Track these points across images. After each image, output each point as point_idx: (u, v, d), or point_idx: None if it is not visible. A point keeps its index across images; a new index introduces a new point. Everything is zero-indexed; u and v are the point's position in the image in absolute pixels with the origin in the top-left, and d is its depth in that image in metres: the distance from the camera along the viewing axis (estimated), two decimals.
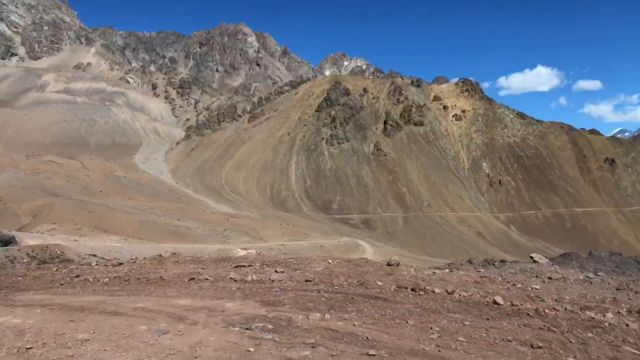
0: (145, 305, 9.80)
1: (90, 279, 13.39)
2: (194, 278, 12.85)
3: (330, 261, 14.70)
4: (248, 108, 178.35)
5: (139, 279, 13.15)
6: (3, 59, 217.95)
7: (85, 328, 8.16)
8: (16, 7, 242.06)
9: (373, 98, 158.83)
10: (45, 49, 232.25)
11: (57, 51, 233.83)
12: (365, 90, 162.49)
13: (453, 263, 26.79)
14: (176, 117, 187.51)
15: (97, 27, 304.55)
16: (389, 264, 14.29)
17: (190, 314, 8.94)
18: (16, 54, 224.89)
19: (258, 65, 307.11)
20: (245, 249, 73.37)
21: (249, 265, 14.38)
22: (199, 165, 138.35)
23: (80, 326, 8.24)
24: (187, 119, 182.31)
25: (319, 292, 10.97)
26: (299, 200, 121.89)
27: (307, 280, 11.97)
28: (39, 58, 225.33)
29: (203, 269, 14.36)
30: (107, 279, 13.36)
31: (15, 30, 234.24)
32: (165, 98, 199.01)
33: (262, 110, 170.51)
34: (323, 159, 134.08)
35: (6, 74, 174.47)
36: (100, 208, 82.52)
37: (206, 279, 12.78)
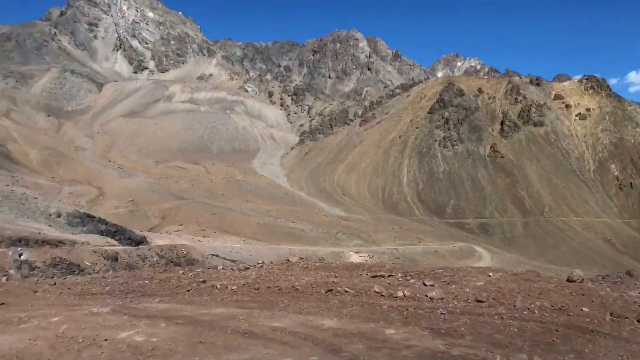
0: (283, 325, 8.30)
1: (218, 286, 12.62)
2: (331, 290, 11.46)
3: (491, 274, 12.31)
4: (359, 112, 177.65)
5: (269, 287, 12.08)
6: (135, 72, 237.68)
7: (217, 354, 6.59)
8: (147, 24, 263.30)
9: (489, 98, 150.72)
10: (172, 62, 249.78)
11: (183, 64, 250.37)
12: (480, 90, 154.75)
13: (609, 275, 22.52)
14: (291, 123, 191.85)
15: (218, 40, 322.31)
16: (570, 280, 11.44)
17: (344, 344, 7.11)
18: (147, 68, 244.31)
19: (369, 69, 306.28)
20: (357, 252, 71.53)
21: (389, 276, 12.52)
22: (312, 169, 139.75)
23: (211, 351, 6.73)
24: (301, 125, 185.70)
25: (502, 318, 8.74)
26: (411, 203, 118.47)
27: (478, 300, 9.71)
28: (167, 71, 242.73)
29: (337, 277, 12.87)
30: (235, 287, 12.47)
31: (146, 46, 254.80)
32: (281, 105, 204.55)
33: (373, 113, 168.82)
34: (436, 161, 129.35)
35: (138, 87, 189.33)
36: (222, 210, 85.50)
37: (346, 291, 11.31)
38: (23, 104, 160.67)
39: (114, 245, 34.02)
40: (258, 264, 16.70)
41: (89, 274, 25.53)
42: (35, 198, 53.38)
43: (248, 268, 15.31)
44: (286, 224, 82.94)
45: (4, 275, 22.87)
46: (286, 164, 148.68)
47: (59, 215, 48.03)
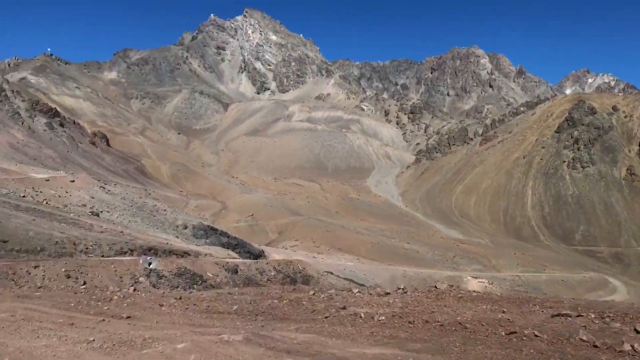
0: None
1: (362, 315, 11.19)
2: (514, 332, 9.32)
3: None
4: (480, 131, 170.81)
5: (427, 321, 10.53)
6: (258, 93, 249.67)
7: None
8: (270, 47, 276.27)
9: (625, 117, 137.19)
10: (292, 82, 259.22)
11: (302, 84, 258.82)
12: (614, 108, 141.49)
13: None
14: (407, 141, 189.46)
15: (336, 60, 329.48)
16: None
17: None
18: (269, 88, 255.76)
19: (491, 86, 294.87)
20: (476, 277, 67.37)
21: (577, 316, 10.28)
22: (428, 189, 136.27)
23: None
24: (417, 143, 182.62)
25: None
26: (536, 228, 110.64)
27: None
28: (287, 91, 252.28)
29: (505, 312, 11.17)
30: (382, 317, 10.95)
31: (268, 67, 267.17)
32: (397, 123, 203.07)
33: (495, 132, 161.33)
34: (564, 183, 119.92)
35: (260, 107, 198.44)
36: (335, 228, 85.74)
37: (536, 335, 9.13)
38: (157, 123, 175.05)
39: (234, 258, 34.84)
40: (399, 289, 15.21)
41: (211, 285, 26.09)
42: (165, 210, 56.91)
43: (388, 293, 13.86)
44: (400, 244, 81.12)
45: (135, 282, 24.03)
46: (401, 183, 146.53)
47: (185, 227, 50.45)
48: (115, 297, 14.88)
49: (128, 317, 12.02)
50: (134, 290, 16.05)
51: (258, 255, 46.73)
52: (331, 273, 43.38)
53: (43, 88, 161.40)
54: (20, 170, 54.22)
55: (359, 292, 14.38)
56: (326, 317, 11.32)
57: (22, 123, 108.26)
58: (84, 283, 21.73)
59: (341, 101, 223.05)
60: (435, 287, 14.91)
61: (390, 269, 60.63)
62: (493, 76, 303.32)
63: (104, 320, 11.48)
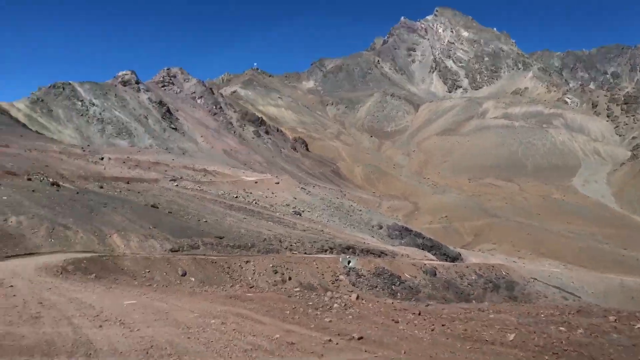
0: None
1: None
2: None
3: None
4: None
5: None
6: (450, 92, 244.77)
7: None
8: (461, 44, 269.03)
9: None
10: (485, 78, 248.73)
11: (496, 79, 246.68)
12: None
13: None
14: (620, 135, 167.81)
15: (534, 52, 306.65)
16: None
17: None
18: (461, 86, 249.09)
19: None
20: None
21: None
22: None
23: None
24: (634, 137, 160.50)
25: None
26: None
27: None
28: (480, 88, 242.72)
29: None
30: None
31: (460, 65, 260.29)
32: (607, 116, 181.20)
33: None
34: None
35: (452, 105, 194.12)
36: (537, 231, 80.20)
37: None
38: (350, 127, 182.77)
39: (431, 260, 34.80)
40: None
41: (410, 287, 26.38)
42: (360, 210, 59.44)
43: None
44: (616, 250, 72.57)
45: (336, 280, 25.36)
46: (614, 182, 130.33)
47: (380, 227, 51.93)
48: (336, 304, 12.68)
49: (360, 339, 9.57)
50: (357, 297, 13.64)
51: (455, 257, 46.13)
52: (536, 279, 40.91)
53: (251, 99, 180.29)
54: (233, 173, 61.42)
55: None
56: None
57: (234, 132, 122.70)
58: (289, 279, 23.28)
59: (541, 95, 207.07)
60: None
61: (604, 277, 54.59)
62: None
63: (330, 341, 9.42)
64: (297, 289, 15.47)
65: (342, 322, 11.02)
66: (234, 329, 9.65)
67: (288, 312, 11.78)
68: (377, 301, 13.22)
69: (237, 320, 10.52)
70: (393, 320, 11.31)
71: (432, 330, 10.42)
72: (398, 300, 14.46)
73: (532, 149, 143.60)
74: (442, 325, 10.75)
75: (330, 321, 10.99)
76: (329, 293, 14.20)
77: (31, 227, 21.77)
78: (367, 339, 9.59)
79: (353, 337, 9.65)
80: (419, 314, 11.80)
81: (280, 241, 29.39)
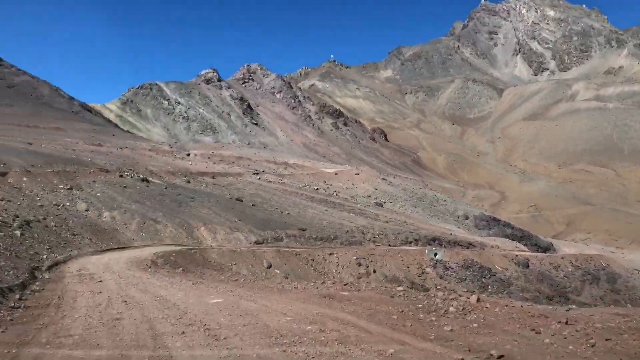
0: None
1: None
2: None
3: None
4: None
5: None
6: (535, 74, 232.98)
7: None
8: (547, 24, 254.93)
9: None
10: (574, 59, 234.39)
11: (587, 59, 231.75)
12: None
13: None
14: None
15: (629, 28, 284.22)
16: None
17: None
18: (547, 69, 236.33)
19: None
20: None
21: None
22: None
23: None
24: None
25: None
26: None
27: None
28: (569, 69, 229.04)
29: None
30: None
31: (546, 46, 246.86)
32: None
33: None
34: None
35: (538, 89, 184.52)
36: (638, 219, 75.09)
37: None
38: (431, 115, 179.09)
39: (523, 251, 33.53)
40: None
41: (501, 279, 25.57)
42: (445, 200, 58.28)
43: None
44: None
45: (422, 273, 25.05)
46: None
47: (467, 218, 50.67)
48: (452, 308, 10.46)
49: (501, 358, 7.21)
50: (478, 300, 10.92)
51: (547, 248, 44.27)
52: (639, 271, 38.40)
53: (328, 92, 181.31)
54: (313, 166, 62.21)
55: None
56: None
57: (313, 125, 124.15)
58: (374, 271, 22.83)
59: (637, 73, 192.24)
60: None
61: None
62: None
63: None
64: (401, 289, 13.25)
65: (467, 332, 8.80)
66: (335, 339, 8.03)
67: (396, 317, 9.86)
68: (506, 305, 10.60)
69: (338, 327, 8.85)
70: (533, 330, 8.80)
71: (593, 346, 7.76)
72: (528, 304, 11.40)
73: (629, 132, 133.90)
74: (607, 339, 7.98)
75: (451, 330, 8.84)
76: (440, 293, 11.83)
77: (123, 222, 23.27)
78: (510, 358, 7.24)
79: (491, 354, 7.29)
80: (566, 323, 9.02)
81: (362, 233, 29.30)
